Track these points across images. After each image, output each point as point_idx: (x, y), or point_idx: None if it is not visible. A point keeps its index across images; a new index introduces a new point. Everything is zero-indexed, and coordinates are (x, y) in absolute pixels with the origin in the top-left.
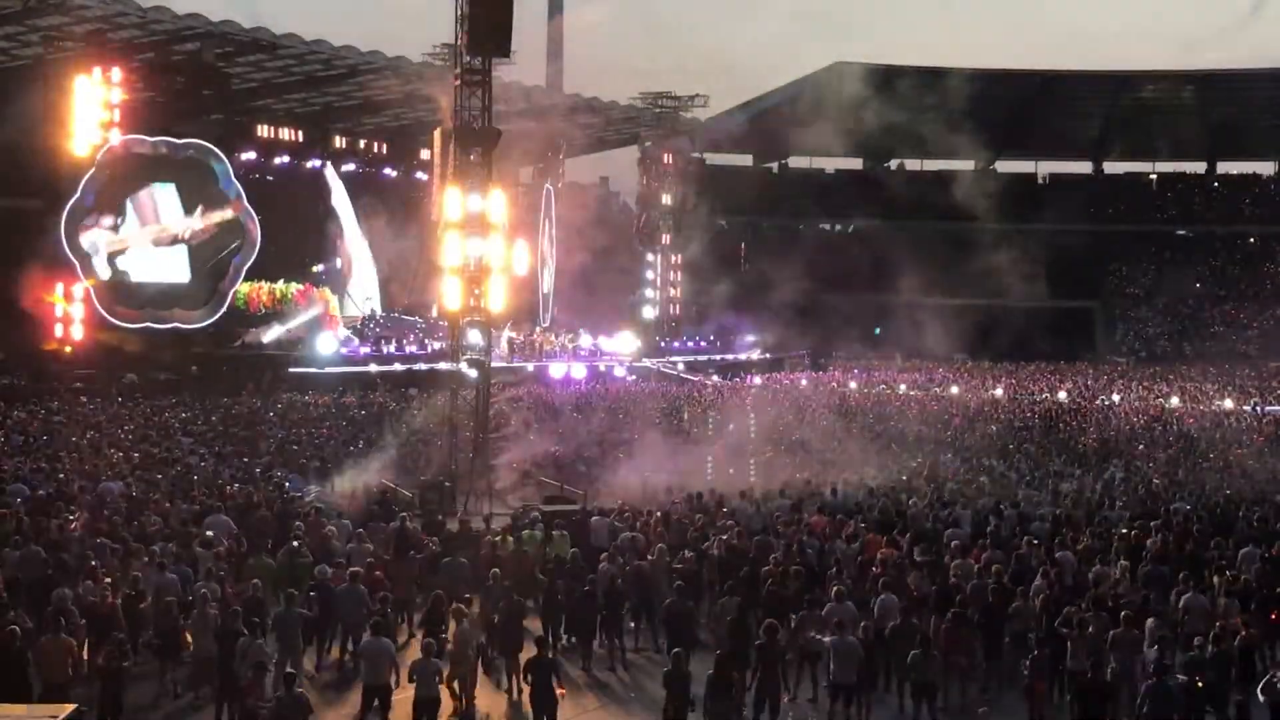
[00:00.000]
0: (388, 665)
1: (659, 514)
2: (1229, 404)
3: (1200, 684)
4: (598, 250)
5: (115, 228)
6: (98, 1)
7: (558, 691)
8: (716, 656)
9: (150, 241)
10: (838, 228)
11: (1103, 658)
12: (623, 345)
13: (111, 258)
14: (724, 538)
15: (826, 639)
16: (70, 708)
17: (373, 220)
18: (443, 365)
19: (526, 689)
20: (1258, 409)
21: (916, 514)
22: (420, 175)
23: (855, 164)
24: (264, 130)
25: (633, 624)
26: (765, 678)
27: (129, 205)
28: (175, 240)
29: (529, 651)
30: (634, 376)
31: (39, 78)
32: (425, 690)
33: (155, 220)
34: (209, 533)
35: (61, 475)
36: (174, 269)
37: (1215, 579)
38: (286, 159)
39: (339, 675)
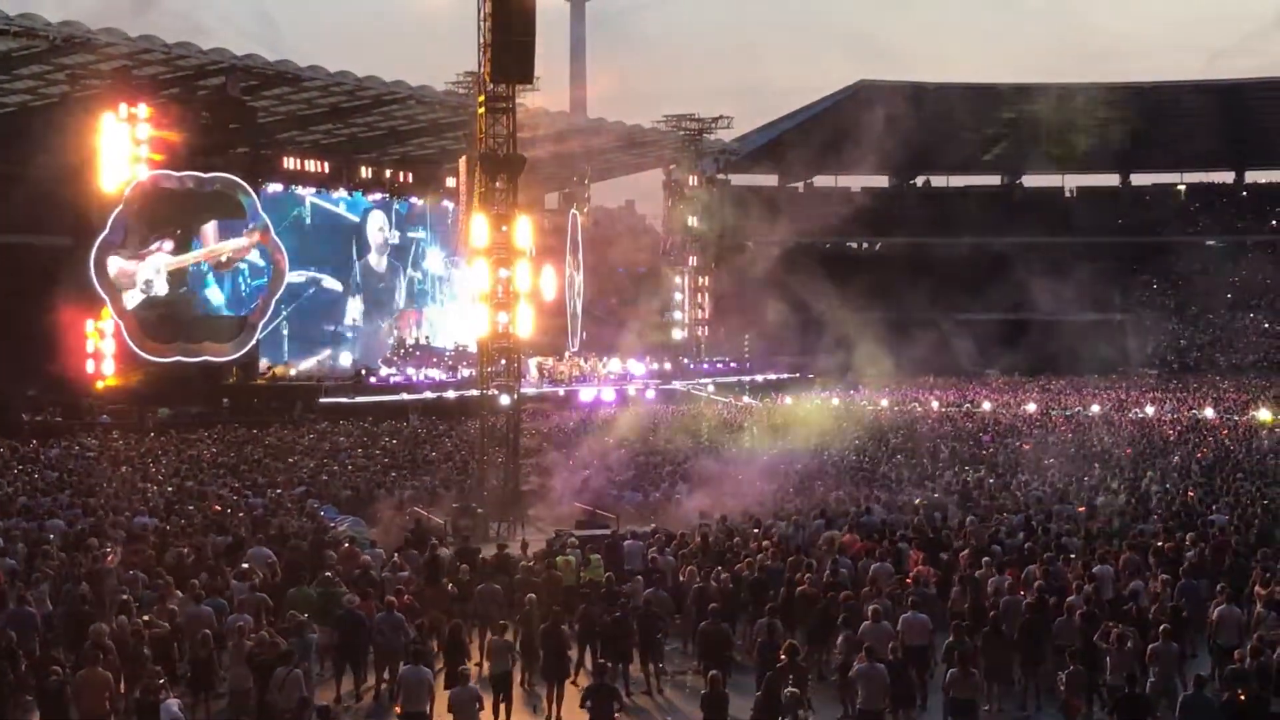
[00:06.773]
0: (427, 694)
1: (697, 538)
2: (1264, 414)
3: (1242, 697)
4: (625, 274)
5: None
6: (123, 39)
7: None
8: (766, 677)
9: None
10: (865, 245)
11: (1141, 672)
12: (652, 368)
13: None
14: (758, 558)
15: (855, 664)
16: None
17: None
18: (472, 392)
19: (584, 716)
20: None
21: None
22: (447, 203)
23: (881, 182)
24: (290, 162)
25: (669, 646)
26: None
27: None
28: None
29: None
30: (663, 399)
31: (67, 115)
32: (464, 717)
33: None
34: (244, 565)
35: (98, 511)
36: (204, 301)
37: (1258, 590)
38: (313, 190)
39: (373, 704)
